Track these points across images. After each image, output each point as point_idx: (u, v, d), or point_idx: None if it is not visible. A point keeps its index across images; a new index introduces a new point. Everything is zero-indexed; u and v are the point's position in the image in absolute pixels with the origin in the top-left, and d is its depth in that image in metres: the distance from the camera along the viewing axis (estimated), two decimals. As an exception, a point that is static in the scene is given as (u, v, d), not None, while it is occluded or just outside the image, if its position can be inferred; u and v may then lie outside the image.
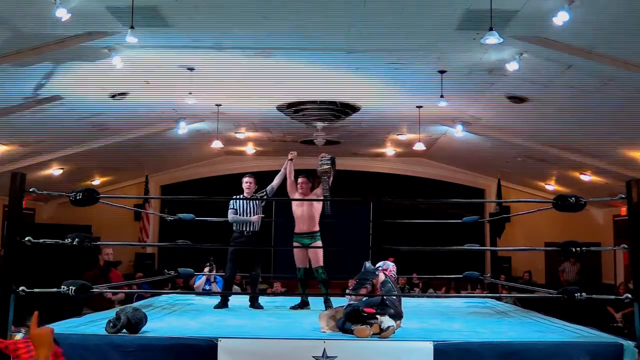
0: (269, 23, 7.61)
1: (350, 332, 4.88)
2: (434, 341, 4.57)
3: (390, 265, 5.62)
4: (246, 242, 7.36)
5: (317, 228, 7.17)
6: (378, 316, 4.89)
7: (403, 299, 5.54)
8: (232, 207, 7.44)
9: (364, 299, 5.23)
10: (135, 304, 6.44)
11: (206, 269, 9.30)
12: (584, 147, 11.81)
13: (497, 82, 9.56)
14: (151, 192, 16.09)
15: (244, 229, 7.38)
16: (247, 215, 7.37)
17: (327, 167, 7.06)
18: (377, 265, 5.61)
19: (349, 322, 4.97)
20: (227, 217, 7.48)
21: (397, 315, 5.14)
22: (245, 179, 7.53)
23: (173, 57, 8.82)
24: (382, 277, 5.45)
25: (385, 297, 5.19)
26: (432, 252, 13.35)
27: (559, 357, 4.56)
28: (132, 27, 6.90)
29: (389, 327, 4.79)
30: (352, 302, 5.29)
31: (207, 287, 9.24)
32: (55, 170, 13.65)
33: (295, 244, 7.20)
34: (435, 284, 14.72)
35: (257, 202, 7.37)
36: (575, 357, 4.53)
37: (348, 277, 13.19)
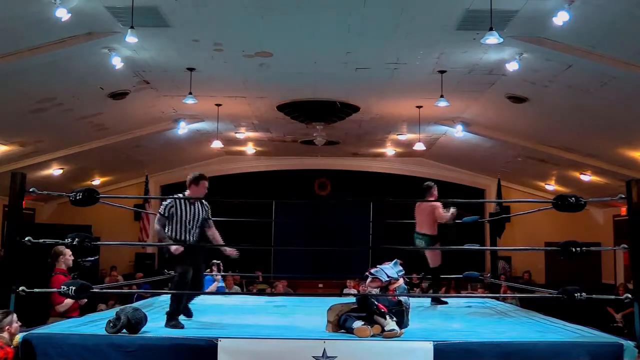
0: (269, 23, 7.61)
1: (351, 331, 4.88)
2: (434, 341, 4.57)
3: None
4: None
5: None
6: (387, 317, 4.90)
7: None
8: (164, 209, 5.74)
9: (383, 297, 5.23)
10: (135, 304, 6.43)
11: (215, 270, 9.27)
12: (584, 147, 11.80)
13: (497, 82, 9.56)
14: (151, 192, 16.05)
15: (185, 239, 5.77)
16: (190, 224, 5.79)
17: None
18: (396, 269, 5.64)
19: (359, 307, 5.01)
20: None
21: (405, 325, 5.19)
22: (205, 182, 5.94)
23: (173, 57, 8.83)
24: (400, 282, 5.52)
25: (404, 306, 5.25)
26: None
27: (559, 357, 4.55)
28: (132, 27, 6.91)
29: (392, 329, 4.80)
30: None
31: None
32: (55, 170, 13.64)
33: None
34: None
35: (205, 210, 5.93)
36: (575, 357, 4.53)
37: (347, 277, 13.24)
